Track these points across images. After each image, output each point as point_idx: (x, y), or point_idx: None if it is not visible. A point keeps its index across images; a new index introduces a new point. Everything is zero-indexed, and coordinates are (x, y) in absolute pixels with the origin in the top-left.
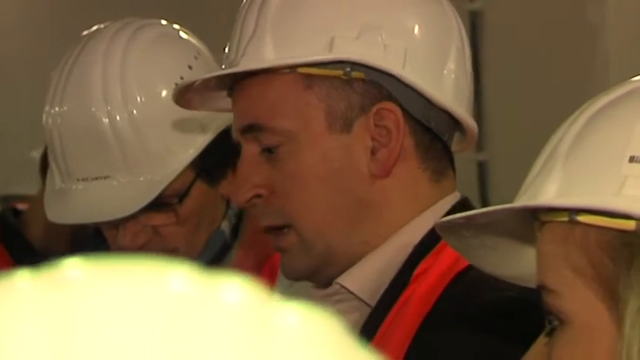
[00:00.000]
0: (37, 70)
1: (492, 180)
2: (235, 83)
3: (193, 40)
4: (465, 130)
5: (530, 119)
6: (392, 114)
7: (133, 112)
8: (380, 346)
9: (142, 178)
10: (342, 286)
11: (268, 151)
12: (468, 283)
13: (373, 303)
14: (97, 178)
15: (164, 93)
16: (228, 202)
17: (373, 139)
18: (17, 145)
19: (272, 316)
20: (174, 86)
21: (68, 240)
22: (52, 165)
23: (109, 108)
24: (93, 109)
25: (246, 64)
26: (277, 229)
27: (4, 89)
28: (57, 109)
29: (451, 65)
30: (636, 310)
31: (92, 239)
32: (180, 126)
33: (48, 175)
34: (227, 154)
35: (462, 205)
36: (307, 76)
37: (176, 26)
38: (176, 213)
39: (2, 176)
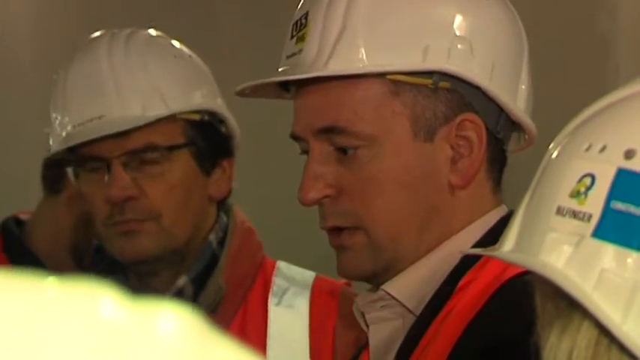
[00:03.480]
0: (47, 74)
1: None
2: (306, 80)
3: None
4: (525, 132)
5: (540, 133)
6: (474, 125)
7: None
8: (421, 358)
9: (134, 114)
10: (387, 293)
11: (343, 151)
12: (499, 309)
13: (417, 311)
14: (92, 120)
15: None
16: (217, 217)
17: (453, 148)
18: (28, 151)
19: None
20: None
21: (70, 250)
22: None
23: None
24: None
25: (336, 68)
26: (340, 229)
27: (13, 92)
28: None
29: (524, 77)
30: None
31: (94, 253)
32: (175, 81)
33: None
34: (220, 143)
35: (509, 218)
36: (395, 82)
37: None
38: (163, 171)
39: (21, 181)
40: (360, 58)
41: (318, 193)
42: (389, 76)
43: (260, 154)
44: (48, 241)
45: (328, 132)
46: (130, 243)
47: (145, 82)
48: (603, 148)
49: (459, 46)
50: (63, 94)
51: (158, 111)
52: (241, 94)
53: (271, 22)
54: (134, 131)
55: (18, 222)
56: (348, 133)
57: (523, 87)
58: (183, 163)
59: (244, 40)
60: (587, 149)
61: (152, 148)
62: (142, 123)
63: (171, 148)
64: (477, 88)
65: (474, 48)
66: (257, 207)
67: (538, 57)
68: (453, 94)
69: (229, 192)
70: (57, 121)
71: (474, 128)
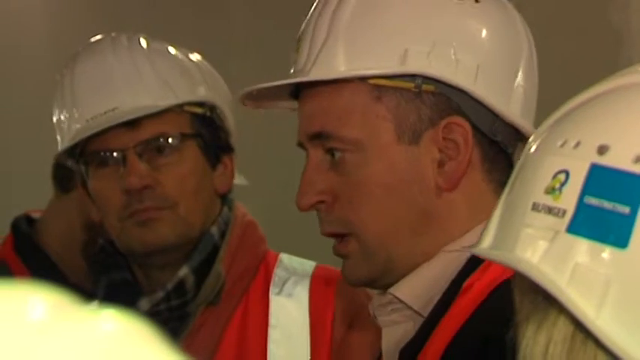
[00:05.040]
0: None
1: None
2: (302, 89)
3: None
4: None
5: None
6: (461, 128)
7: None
8: (424, 358)
9: (146, 104)
10: (395, 297)
11: (331, 154)
12: (490, 309)
13: (426, 313)
14: (106, 113)
15: (171, 49)
16: (220, 210)
17: (440, 151)
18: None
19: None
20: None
21: (81, 248)
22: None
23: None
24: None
25: (317, 74)
26: (339, 236)
27: (29, 94)
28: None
29: (520, 79)
30: None
31: (99, 252)
32: (181, 75)
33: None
34: (222, 138)
35: None
36: (377, 86)
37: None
38: (174, 161)
39: (34, 180)
40: (340, 64)
41: (312, 199)
42: (371, 81)
43: (281, 152)
44: (59, 239)
45: (319, 138)
46: (150, 231)
47: (153, 75)
48: (577, 144)
49: (439, 49)
50: (71, 92)
51: (169, 101)
52: (246, 102)
53: (283, 22)
54: (146, 122)
55: (30, 220)
56: (334, 138)
57: (521, 90)
58: (192, 155)
59: (257, 40)
60: (562, 145)
61: (164, 136)
62: (155, 111)
63: (183, 136)
64: (464, 91)
65: (456, 50)
66: (276, 204)
67: (553, 52)
68: (439, 98)
69: (231, 187)
70: (65, 119)
71: (460, 131)
